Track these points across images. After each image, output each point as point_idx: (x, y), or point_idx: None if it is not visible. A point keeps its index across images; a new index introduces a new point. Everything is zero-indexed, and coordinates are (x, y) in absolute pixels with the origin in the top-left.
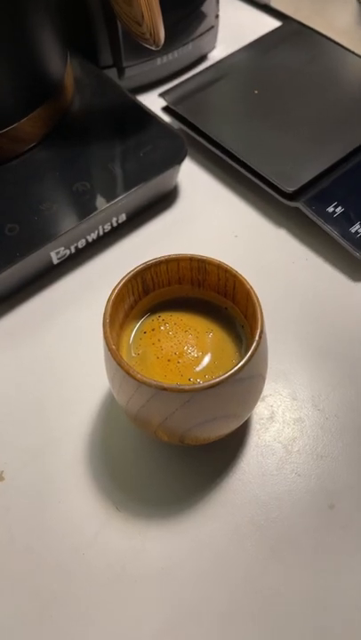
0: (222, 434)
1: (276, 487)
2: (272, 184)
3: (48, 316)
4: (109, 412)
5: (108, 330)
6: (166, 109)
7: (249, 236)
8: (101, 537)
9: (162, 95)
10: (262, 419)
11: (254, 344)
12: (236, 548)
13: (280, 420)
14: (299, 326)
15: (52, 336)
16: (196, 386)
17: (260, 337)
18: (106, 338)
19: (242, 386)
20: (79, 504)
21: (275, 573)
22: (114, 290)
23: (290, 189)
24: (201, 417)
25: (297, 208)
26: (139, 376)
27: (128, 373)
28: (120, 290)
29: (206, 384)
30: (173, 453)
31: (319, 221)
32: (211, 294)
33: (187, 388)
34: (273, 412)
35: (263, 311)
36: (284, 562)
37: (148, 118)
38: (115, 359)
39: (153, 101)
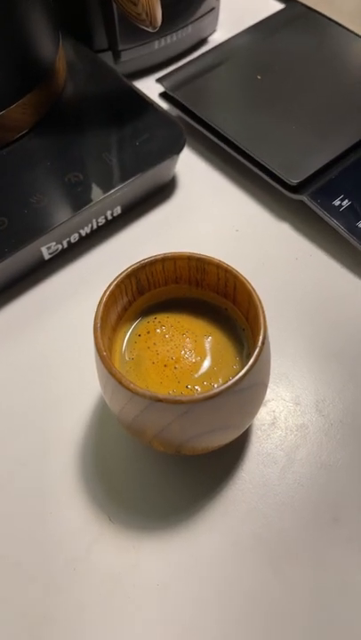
0: (221, 444)
1: (278, 498)
2: (275, 175)
3: (39, 315)
4: (103, 416)
5: (98, 335)
6: (164, 96)
7: (250, 231)
8: (94, 550)
9: (159, 81)
10: (264, 425)
11: (256, 351)
12: (235, 563)
13: (282, 426)
14: (302, 326)
15: (43, 336)
16: (194, 397)
17: (262, 343)
18: (97, 343)
19: (243, 395)
20: (70, 515)
21: (276, 589)
22: (105, 291)
23: (294, 181)
24: (199, 428)
25: (301, 201)
26: (132, 386)
27: (120, 383)
28: (112, 291)
29: (205, 395)
30: (170, 462)
31: (325, 215)
32: (210, 294)
33: (184, 399)
34: (275, 418)
35: (265, 312)
36: (286, 577)
37: (145, 105)
38: (106, 367)
39: (150, 87)
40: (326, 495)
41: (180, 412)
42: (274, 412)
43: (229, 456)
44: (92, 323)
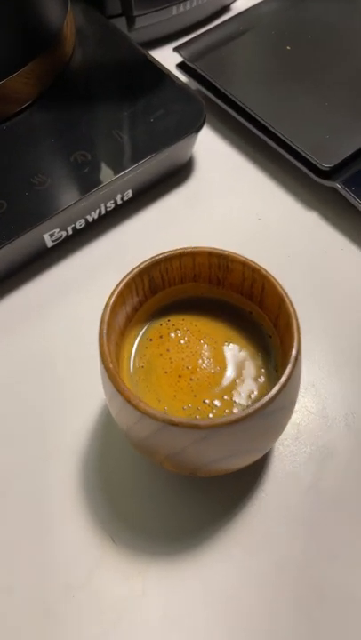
0: (241, 467)
1: (302, 524)
2: (304, 159)
3: (40, 309)
4: (109, 423)
5: (105, 342)
6: (182, 66)
7: (274, 220)
8: (95, 576)
9: (177, 50)
10: (286, 439)
11: (289, 367)
12: (251, 596)
13: (307, 442)
14: (332, 328)
15: (44, 332)
16: (214, 421)
17: (296, 358)
18: (102, 353)
19: (270, 419)
20: (70, 535)
21: (298, 629)
22: (113, 292)
23: (326, 166)
24: (218, 454)
25: (333, 188)
26: (142, 405)
27: (129, 401)
28: (121, 291)
29: (227, 419)
30: (182, 479)
31: (359, 205)
32: (232, 295)
33: (202, 423)
34: (299, 432)
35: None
36: (309, 615)
37: (161, 77)
38: (112, 382)
39: (166, 58)
40: (357, 523)
41: (197, 438)
42: (298, 424)
43: (247, 475)
44: (98, 324)
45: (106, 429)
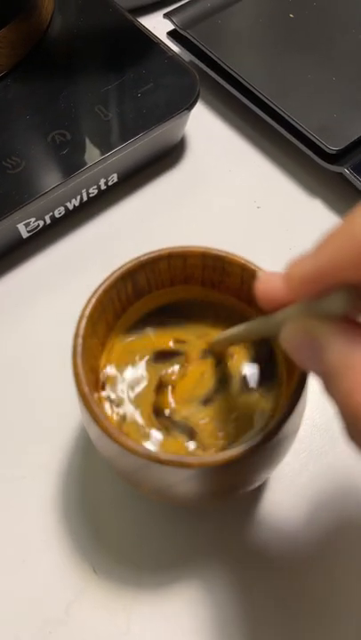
0: (234, 498)
1: (302, 553)
2: (309, 140)
3: (14, 307)
4: (91, 442)
5: (78, 363)
6: (173, 35)
7: (275, 207)
8: (74, 610)
9: (168, 16)
10: (288, 455)
11: (292, 396)
12: (247, 632)
13: (309, 460)
14: None
15: (18, 333)
16: (206, 460)
17: (299, 388)
18: (76, 375)
19: (270, 452)
20: (47, 564)
21: None
22: (90, 300)
23: (333, 149)
24: (209, 489)
25: (340, 174)
26: (122, 439)
27: (107, 433)
28: (100, 299)
29: (221, 458)
30: (170, 505)
31: None
32: (229, 300)
33: (192, 461)
34: (299, 450)
35: None
36: None
37: (150, 46)
38: (88, 411)
39: (157, 25)
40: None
41: (186, 477)
42: (301, 440)
43: (242, 499)
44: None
45: (88, 446)
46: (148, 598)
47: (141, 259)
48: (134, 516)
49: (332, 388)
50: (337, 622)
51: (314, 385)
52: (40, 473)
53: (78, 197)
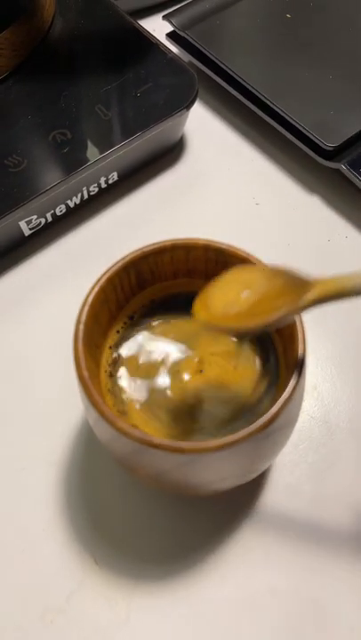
0: (234, 486)
1: (303, 542)
2: (306, 138)
3: (16, 304)
4: (91, 432)
5: (79, 347)
6: (172, 36)
7: (273, 204)
8: (75, 600)
9: (167, 17)
10: (286, 447)
11: (290, 385)
12: (249, 624)
13: (309, 451)
14: (336, 325)
15: (20, 329)
16: (200, 445)
17: (297, 380)
18: (76, 358)
19: (268, 439)
20: (48, 554)
21: None
22: (93, 287)
23: (330, 145)
24: (206, 477)
25: (337, 170)
26: (118, 424)
27: (103, 417)
28: (102, 287)
29: (214, 444)
30: (170, 495)
31: None
32: None
33: (186, 446)
34: (300, 440)
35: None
36: None
37: (150, 47)
38: (85, 392)
39: (156, 26)
40: None
41: (181, 462)
42: (299, 431)
43: (242, 489)
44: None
45: (88, 438)
46: (148, 588)
47: (145, 249)
48: (135, 507)
49: None
50: (336, 617)
51: (312, 380)
52: (41, 464)
53: (79, 195)
